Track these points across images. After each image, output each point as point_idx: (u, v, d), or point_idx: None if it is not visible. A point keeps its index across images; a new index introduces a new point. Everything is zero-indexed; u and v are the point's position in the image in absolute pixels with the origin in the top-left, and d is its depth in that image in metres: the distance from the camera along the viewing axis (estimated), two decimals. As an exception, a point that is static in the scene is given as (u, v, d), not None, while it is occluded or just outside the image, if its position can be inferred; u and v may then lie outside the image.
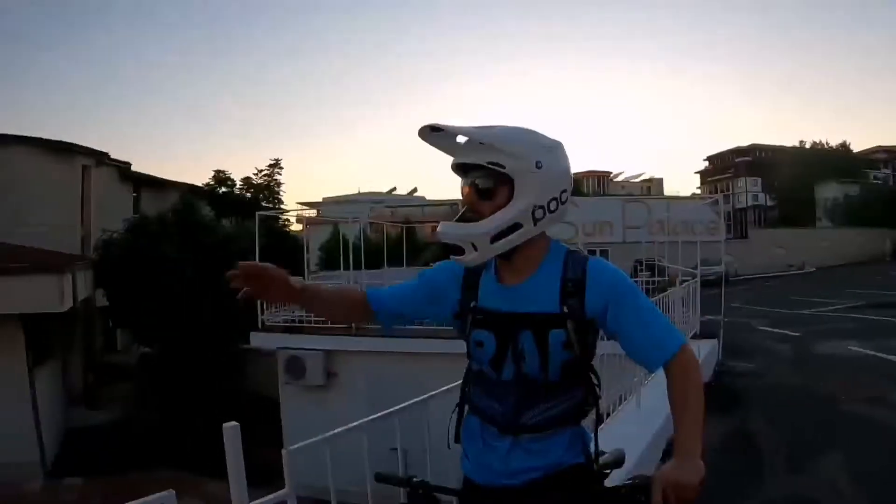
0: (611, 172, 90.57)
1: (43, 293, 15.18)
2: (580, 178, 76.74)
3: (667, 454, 5.71)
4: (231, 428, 3.03)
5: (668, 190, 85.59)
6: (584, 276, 2.08)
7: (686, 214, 16.99)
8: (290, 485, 3.20)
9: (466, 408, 2.32)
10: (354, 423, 3.55)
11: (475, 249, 2.03)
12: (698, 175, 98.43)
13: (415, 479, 2.35)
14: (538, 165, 1.99)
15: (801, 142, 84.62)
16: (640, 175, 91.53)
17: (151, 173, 31.33)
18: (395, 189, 48.56)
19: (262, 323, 14.16)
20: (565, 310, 2.05)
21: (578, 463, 2.16)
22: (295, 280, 2.20)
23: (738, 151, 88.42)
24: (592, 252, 18.52)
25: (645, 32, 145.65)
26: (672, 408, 1.99)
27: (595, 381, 2.21)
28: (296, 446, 3.27)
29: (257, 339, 14.37)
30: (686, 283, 12.93)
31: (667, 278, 15.87)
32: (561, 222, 2.19)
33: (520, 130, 2.06)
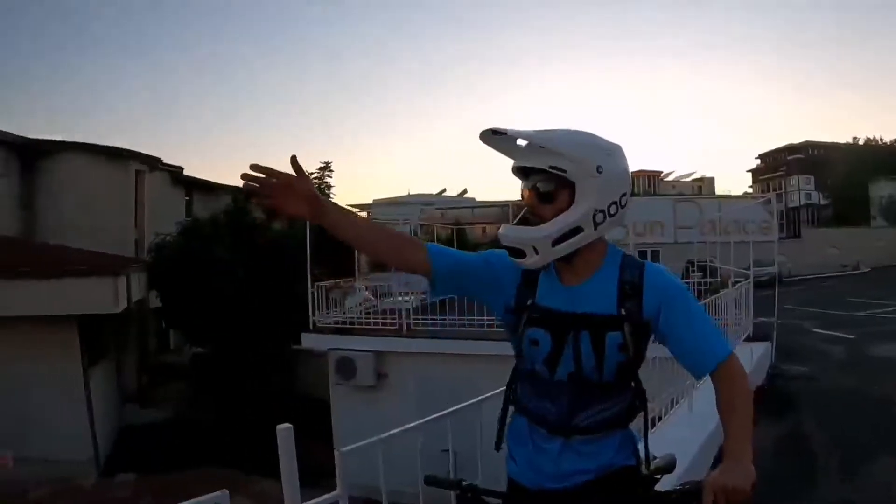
0: (661, 172, 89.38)
1: (98, 295, 15.46)
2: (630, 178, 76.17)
3: (718, 460, 5.66)
4: (284, 430, 3.06)
5: (720, 189, 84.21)
6: (641, 279, 2.08)
7: (738, 214, 16.81)
8: (342, 486, 3.20)
9: (511, 409, 2.29)
10: (408, 426, 3.54)
11: (536, 253, 2.02)
12: (750, 173, 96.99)
13: (464, 483, 2.30)
14: (599, 170, 1.98)
15: (854, 138, 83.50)
16: (690, 174, 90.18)
17: (203, 177, 31.91)
18: (444, 190, 48.54)
19: (314, 324, 14.13)
20: (623, 312, 2.04)
21: (629, 465, 2.14)
22: (324, 199, 2.10)
23: (791, 149, 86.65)
24: (643, 253, 18.43)
25: (695, 29, 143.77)
26: (720, 414, 1.98)
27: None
28: (348, 448, 3.25)
29: (308, 340, 14.30)
30: (739, 284, 12.74)
31: (719, 279, 15.67)
32: (620, 226, 2.17)
33: (581, 134, 2.06)
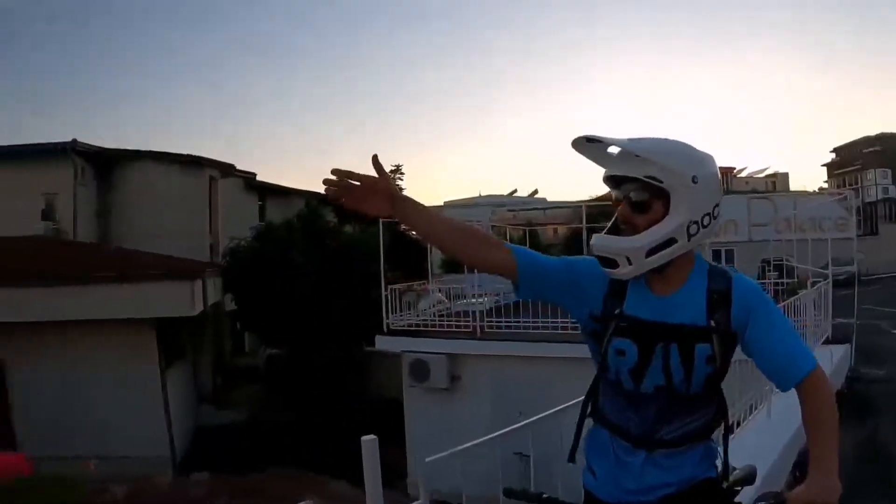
0: (734, 168, 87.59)
1: (175, 298, 15.87)
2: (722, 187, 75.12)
3: (797, 466, 5.56)
4: (369, 441, 3.08)
5: (794, 185, 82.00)
6: (730, 289, 2.05)
7: (814, 211, 16.45)
8: (424, 494, 3.20)
9: (589, 421, 2.26)
10: (490, 436, 3.52)
11: (629, 263, 1.99)
12: (825, 168, 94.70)
13: (544, 496, 2.28)
14: (694, 180, 1.96)
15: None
16: (764, 170, 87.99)
17: (276, 182, 32.31)
18: (515, 191, 48.16)
19: (388, 327, 14.18)
20: (712, 323, 2.02)
21: (710, 477, 2.12)
22: (406, 197, 2.12)
23: (867, 141, 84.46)
24: (717, 252, 18.09)
25: (766, 22, 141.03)
26: (805, 426, 1.95)
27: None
28: (432, 458, 3.22)
29: (382, 343, 14.38)
30: (818, 284, 12.41)
31: (796, 279, 15.31)
32: (712, 237, 2.13)
33: (676, 143, 2.04)
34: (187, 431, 18.63)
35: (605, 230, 2.08)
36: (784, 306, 8.93)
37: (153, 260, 18.24)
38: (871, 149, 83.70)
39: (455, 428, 12.12)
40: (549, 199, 46.40)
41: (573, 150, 2.10)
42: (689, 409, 2.07)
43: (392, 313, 14.42)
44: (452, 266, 19.10)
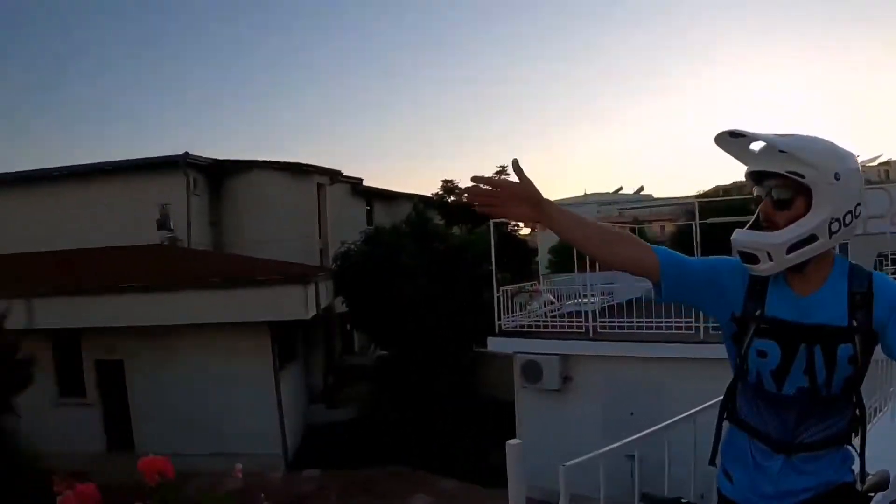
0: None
1: (290, 302, 16.29)
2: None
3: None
4: (515, 445, 3.07)
5: (911, 173, 78.49)
6: (870, 288, 2.01)
7: (934, 200, 15.78)
8: (564, 498, 3.17)
9: (726, 424, 2.23)
10: (627, 440, 3.44)
11: (770, 259, 1.98)
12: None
13: (683, 501, 2.29)
14: (837, 177, 1.93)
15: None
16: (876, 158, 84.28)
17: (382, 187, 32.82)
18: (621, 188, 47.55)
19: (500, 328, 14.04)
20: (854, 323, 1.97)
21: (846, 482, 2.09)
22: (548, 201, 2.09)
23: None
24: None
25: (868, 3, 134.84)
26: None
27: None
28: (572, 462, 3.18)
29: (494, 344, 14.16)
30: None
31: (918, 273, 14.66)
32: (852, 236, 2.11)
33: (818, 140, 2.00)
34: (299, 429, 19.09)
35: (746, 226, 2.08)
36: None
37: (267, 265, 18.78)
38: None
39: (566, 430, 12.15)
40: (655, 195, 45.69)
41: (715, 145, 2.10)
42: (829, 411, 2.04)
43: (504, 314, 14.27)
44: (560, 266, 19.00)
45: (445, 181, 37.67)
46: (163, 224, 23.11)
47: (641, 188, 47.45)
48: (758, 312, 2.07)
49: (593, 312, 13.20)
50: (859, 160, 1.97)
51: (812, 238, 1.95)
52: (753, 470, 2.11)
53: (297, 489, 14.71)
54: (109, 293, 17.28)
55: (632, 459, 3.49)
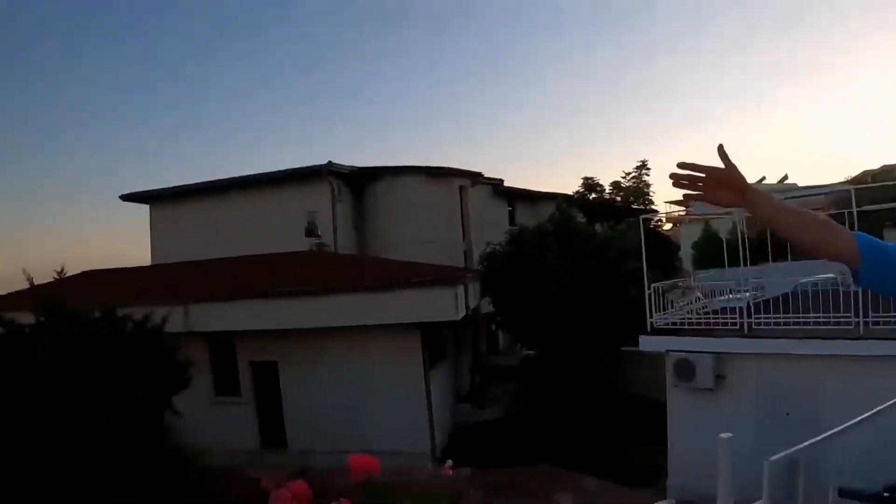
0: None
1: (440, 304, 16.53)
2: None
3: None
4: (725, 440, 3.10)
5: None
6: None
7: None
8: (766, 496, 3.18)
9: None
10: (823, 436, 3.41)
11: None
12: None
13: (885, 494, 2.29)
14: None
15: None
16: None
17: (523, 187, 32.97)
18: (764, 178, 45.73)
19: (651, 326, 13.75)
20: None
21: None
22: (755, 189, 2.07)
23: None
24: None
25: None
26: None
27: None
28: (776, 457, 3.19)
29: (646, 343, 13.79)
30: None
31: None
32: None
33: None
34: (446, 428, 19.35)
35: None
36: None
37: (415, 268, 19.15)
38: None
39: (719, 430, 11.78)
40: (800, 183, 43.97)
41: None
42: None
43: (656, 312, 13.98)
44: (703, 262, 18.54)
45: (586, 178, 37.31)
46: (311, 231, 23.94)
47: (785, 177, 45.50)
48: None
49: (748, 308, 12.82)
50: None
51: None
52: None
53: (445, 487, 14.88)
54: (263, 298, 18.07)
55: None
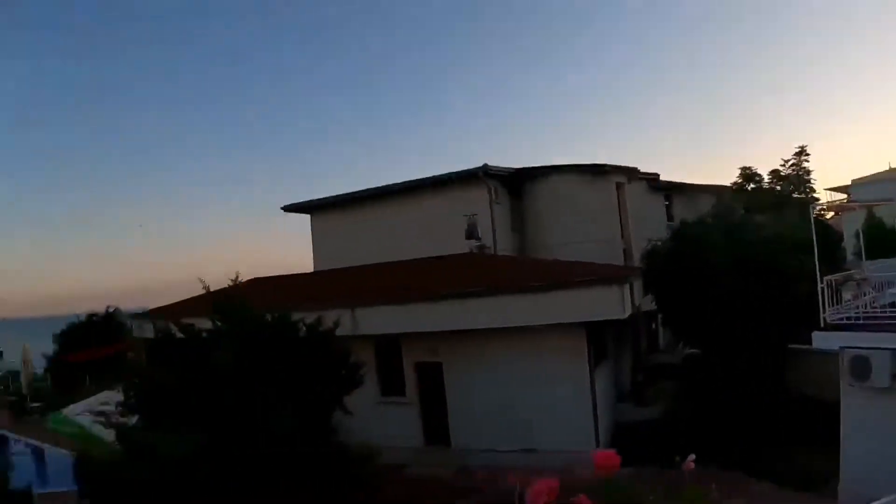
0: None
1: (607, 303, 16.51)
2: None
3: None
4: None
5: None
6: None
7: None
8: None
9: None
10: None
11: None
12: None
13: None
14: None
15: None
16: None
17: (679, 180, 32.60)
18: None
19: (824, 321, 13.03)
20: None
21: None
22: None
23: None
24: None
25: None
26: None
27: None
28: None
29: (819, 339, 13.03)
30: None
31: None
32: None
33: None
34: (608, 427, 19.35)
35: None
36: None
37: (579, 268, 19.27)
38: None
39: (893, 432, 11.41)
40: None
41: None
42: None
43: (829, 306, 13.25)
44: (870, 251, 17.70)
45: (744, 168, 36.28)
46: (471, 233, 24.51)
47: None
48: None
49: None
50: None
51: None
52: None
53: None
54: (429, 300, 18.57)
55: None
